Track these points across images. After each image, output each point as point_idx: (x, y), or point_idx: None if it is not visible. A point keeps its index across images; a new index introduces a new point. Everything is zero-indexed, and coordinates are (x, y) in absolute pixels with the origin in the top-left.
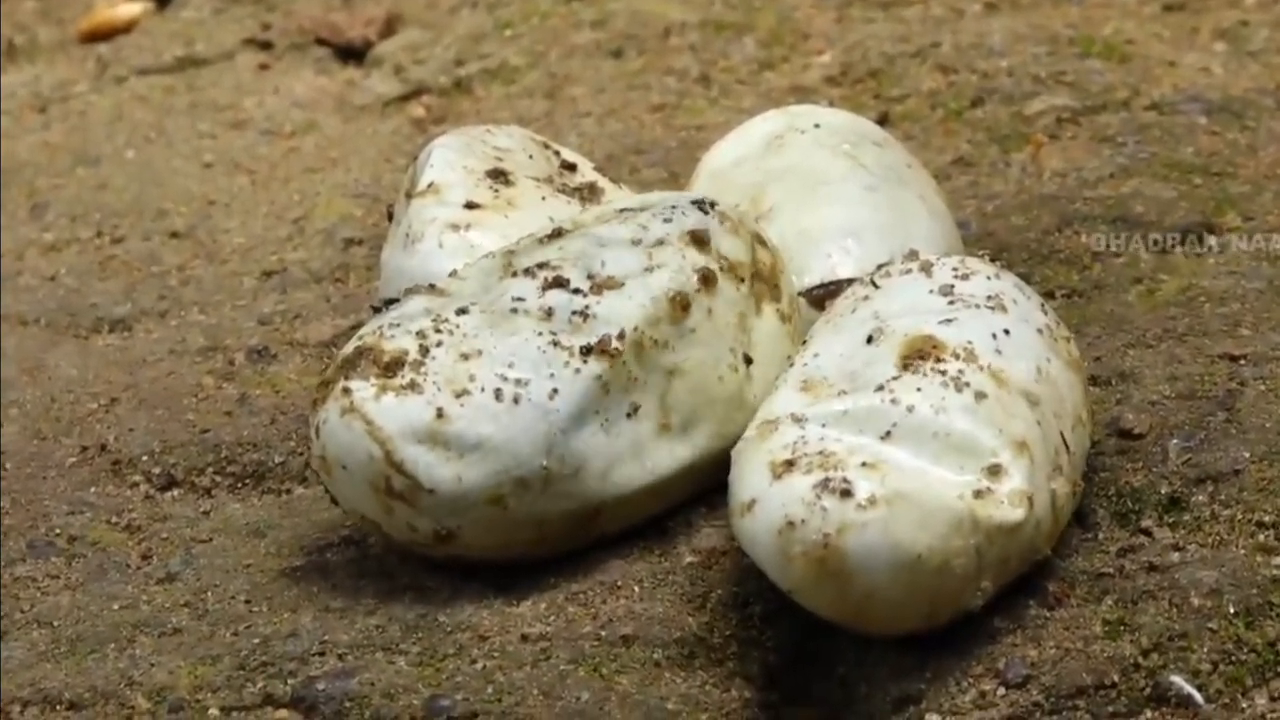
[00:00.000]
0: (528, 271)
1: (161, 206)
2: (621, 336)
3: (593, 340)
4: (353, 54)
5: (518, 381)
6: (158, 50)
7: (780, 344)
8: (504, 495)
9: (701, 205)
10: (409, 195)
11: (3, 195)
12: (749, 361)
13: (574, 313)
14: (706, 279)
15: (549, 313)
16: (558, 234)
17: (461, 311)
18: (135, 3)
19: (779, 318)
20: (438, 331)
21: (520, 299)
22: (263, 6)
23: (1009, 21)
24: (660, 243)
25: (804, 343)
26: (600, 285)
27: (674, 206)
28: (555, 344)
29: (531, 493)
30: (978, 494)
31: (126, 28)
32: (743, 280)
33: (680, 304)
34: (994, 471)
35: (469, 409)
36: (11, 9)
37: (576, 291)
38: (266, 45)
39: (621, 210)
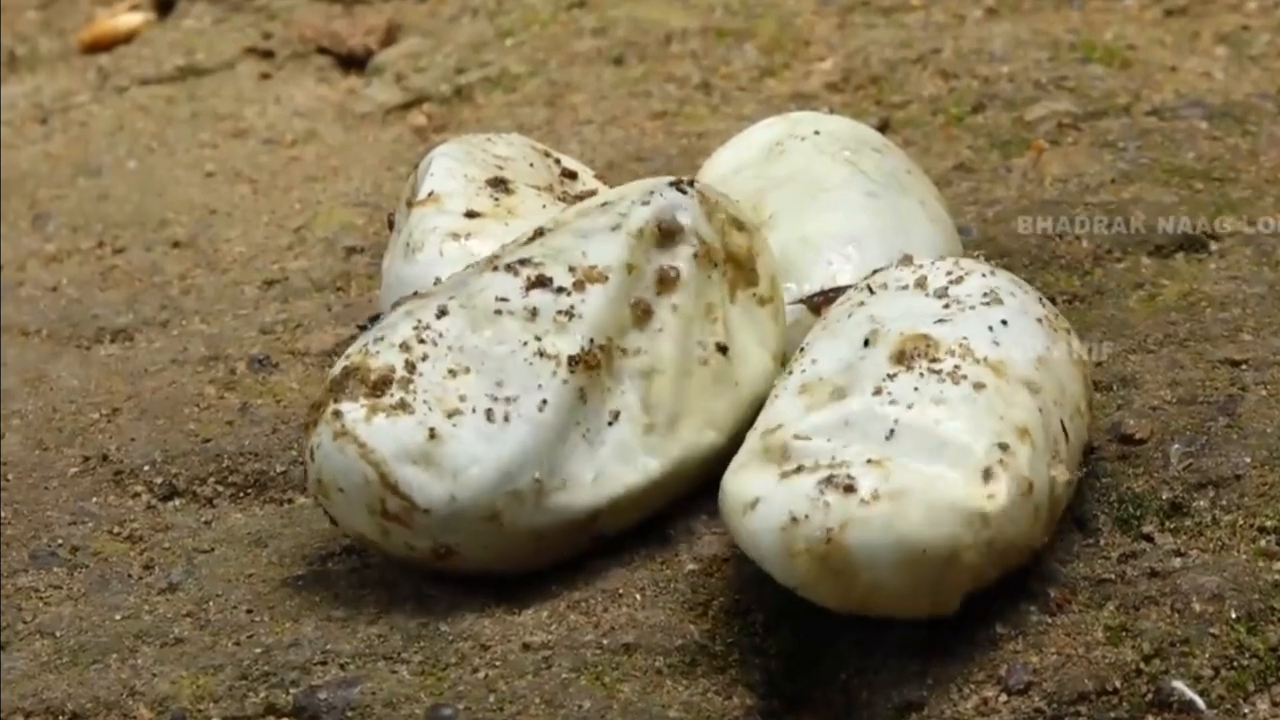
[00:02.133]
0: (509, 268)
1: (163, 216)
2: (602, 349)
3: (578, 349)
4: (354, 63)
5: (508, 400)
6: (159, 60)
7: (760, 328)
8: (499, 511)
9: (679, 185)
10: (410, 204)
11: (4, 206)
12: (723, 350)
13: (559, 312)
14: (663, 280)
15: (534, 313)
16: (539, 233)
17: (442, 313)
18: (136, 13)
19: (756, 301)
20: (421, 342)
21: (504, 299)
22: (263, 16)
23: (1010, 27)
24: (640, 234)
25: (801, 350)
26: (584, 280)
27: (651, 190)
28: (541, 354)
29: (526, 507)
30: (982, 480)
31: (127, 38)
32: (715, 266)
33: (642, 309)
34: (996, 458)
35: (460, 429)
36: (12, 19)
37: (560, 290)
38: (267, 54)
39: (604, 204)
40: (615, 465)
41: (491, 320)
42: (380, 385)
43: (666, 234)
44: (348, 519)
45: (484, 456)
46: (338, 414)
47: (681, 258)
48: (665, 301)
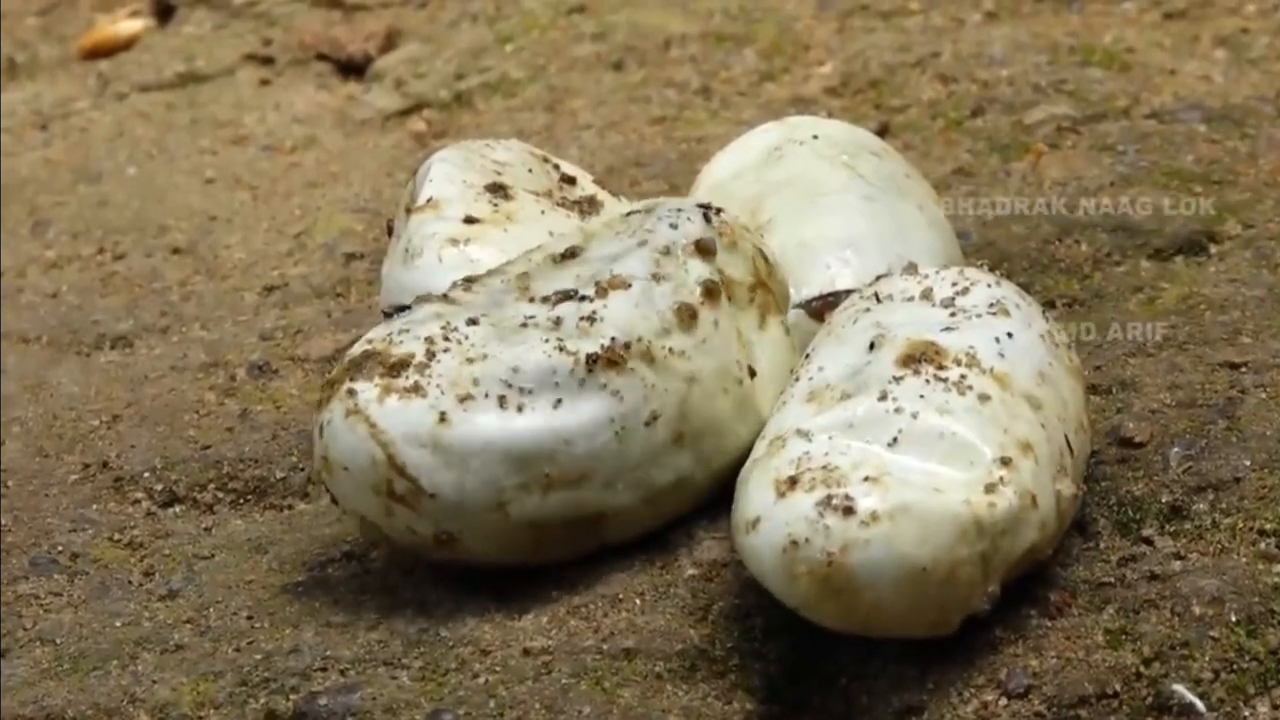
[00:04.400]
0: (545, 299)
1: (163, 223)
2: (627, 346)
3: (599, 348)
4: (353, 69)
5: (521, 390)
6: (159, 66)
7: (785, 356)
8: (505, 502)
9: (706, 212)
10: (409, 210)
11: (4, 212)
12: (753, 374)
13: (582, 318)
14: (710, 291)
15: (557, 322)
16: (571, 254)
17: (472, 322)
18: (136, 19)
19: (783, 329)
20: (446, 339)
21: (531, 316)
22: (263, 22)
23: (1009, 31)
24: (667, 251)
25: (806, 356)
26: (606, 288)
27: (680, 210)
28: (561, 349)
29: (533, 499)
30: (984, 493)
31: (127, 44)
32: (744, 292)
33: (688, 314)
34: (998, 473)
35: (472, 413)
36: (12, 26)
37: (583, 299)
38: (267, 61)
39: (629, 214)
40: (632, 470)
41: (517, 331)
42: (397, 368)
43: (704, 250)
44: (350, 498)
45: (494, 445)
46: (352, 392)
47: (717, 275)
48: (709, 315)
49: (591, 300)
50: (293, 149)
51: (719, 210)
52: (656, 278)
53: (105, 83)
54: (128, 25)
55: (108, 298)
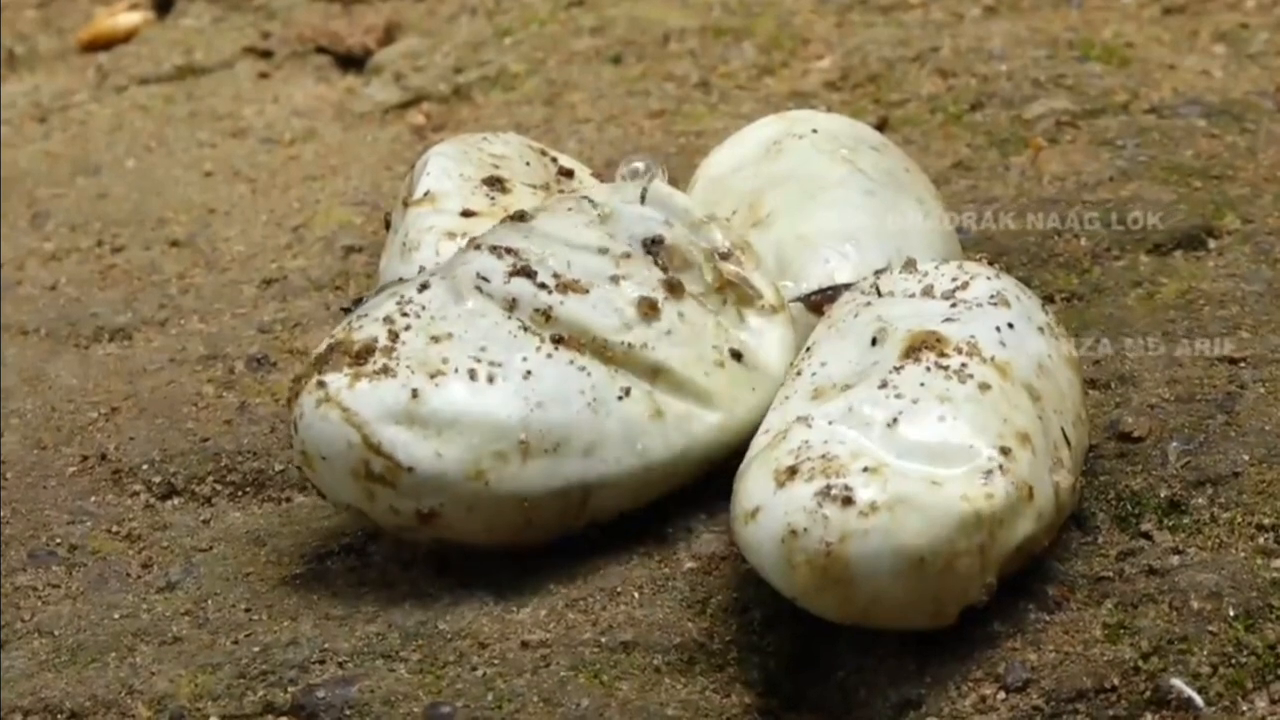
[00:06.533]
0: (494, 250)
1: (162, 215)
2: (581, 345)
3: (557, 334)
4: (352, 62)
5: (491, 363)
6: (158, 59)
7: (775, 334)
8: (484, 470)
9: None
10: (406, 204)
11: (3, 205)
12: (738, 356)
13: (536, 310)
14: (672, 286)
15: (513, 304)
16: (521, 217)
17: (424, 287)
18: (135, 12)
19: (769, 312)
20: (404, 315)
21: (485, 278)
22: (262, 15)
23: (1009, 25)
24: (627, 255)
25: (807, 350)
26: (565, 285)
27: (645, 218)
28: (525, 329)
29: (512, 467)
30: (982, 483)
31: (126, 37)
32: (713, 298)
33: (649, 305)
34: (997, 463)
35: (443, 388)
36: (12, 18)
37: (542, 286)
38: (266, 54)
39: (584, 199)
40: (614, 442)
41: (472, 292)
42: (363, 354)
43: (656, 251)
44: (332, 487)
45: (468, 414)
46: (321, 384)
47: (683, 274)
48: (673, 307)
49: (550, 292)
50: (291, 142)
51: (669, 221)
52: (615, 279)
53: (104, 75)
54: (127, 18)
55: (106, 290)
